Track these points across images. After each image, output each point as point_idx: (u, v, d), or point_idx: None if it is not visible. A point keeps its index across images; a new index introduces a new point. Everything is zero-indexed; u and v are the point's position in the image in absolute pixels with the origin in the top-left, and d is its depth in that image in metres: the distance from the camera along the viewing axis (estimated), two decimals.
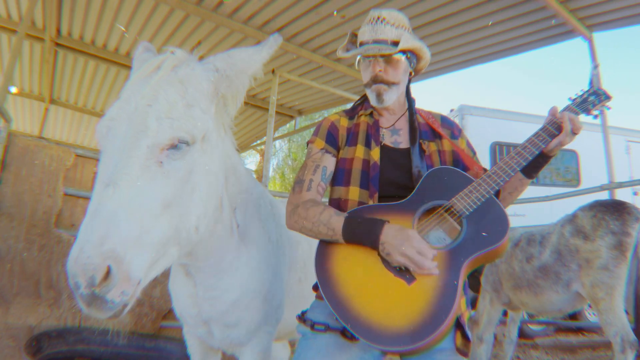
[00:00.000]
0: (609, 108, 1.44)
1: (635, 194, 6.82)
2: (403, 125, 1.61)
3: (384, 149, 1.53)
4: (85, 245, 0.94)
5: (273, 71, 6.02)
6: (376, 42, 1.50)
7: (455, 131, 1.64)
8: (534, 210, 5.65)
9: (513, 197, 1.50)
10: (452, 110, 7.06)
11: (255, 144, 9.83)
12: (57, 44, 5.80)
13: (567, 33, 4.83)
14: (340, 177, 1.54)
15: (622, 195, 4.39)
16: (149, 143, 1.12)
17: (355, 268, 1.29)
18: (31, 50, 6.19)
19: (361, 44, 1.55)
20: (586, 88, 1.45)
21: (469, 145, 1.64)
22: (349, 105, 1.99)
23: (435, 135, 1.59)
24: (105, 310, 0.98)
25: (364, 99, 1.67)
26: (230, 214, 1.59)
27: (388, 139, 1.57)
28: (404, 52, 1.51)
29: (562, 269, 2.89)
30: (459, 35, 5.10)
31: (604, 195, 4.28)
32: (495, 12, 4.60)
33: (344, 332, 1.30)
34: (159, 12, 5.05)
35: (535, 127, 1.42)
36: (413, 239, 1.22)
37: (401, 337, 1.13)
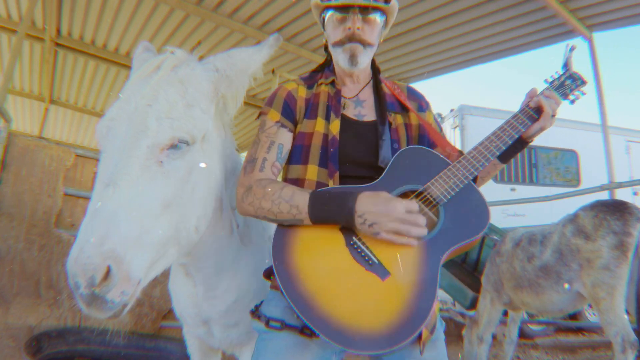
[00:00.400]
0: (584, 94, 1.37)
1: (635, 194, 6.83)
2: (367, 96, 1.45)
3: (346, 122, 1.37)
4: (85, 245, 0.94)
5: (273, 71, 6.02)
6: None
7: (422, 103, 1.50)
8: (534, 210, 5.65)
9: (484, 182, 1.39)
10: (452, 110, 7.06)
11: None
12: (57, 44, 5.80)
13: (567, 33, 4.83)
14: (297, 154, 1.36)
15: (622, 195, 4.39)
16: (149, 143, 1.12)
17: (320, 260, 1.14)
18: (31, 50, 6.20)
19: None
20: (561, 71, 1.38)
21: (436, 120, 1.50)
22: None
23: (402, 107, 1.45)
24: (105, 310, 0.97)
25: (325, 65, 1.51)
26: (230, 214, 1.59)
27: (351, 111, 1.40)
28: (382, 12, 1.39)
29: (563, 269, 2.90)
30: (459, 35, 5.11)
31: (604, 195, 4.29)
32: (495, 12, 4.61)
33: (302, 330, 1.17)
34: (159, 12, 5.05)
35: None
36: (395, 201, 1.10)
37: (377, 339, 1.02)
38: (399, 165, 1.25)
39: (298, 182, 1.33)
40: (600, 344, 5.04)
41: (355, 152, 1.33)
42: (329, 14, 1.40)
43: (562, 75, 1.36)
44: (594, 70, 4.75)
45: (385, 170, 1.25)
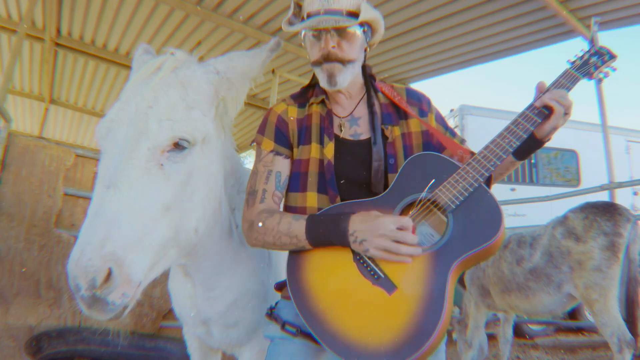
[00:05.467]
0: (614, 69, 1.25)
1: (635, 194, 6.82)
2: (363, 112, 1.38)
3: (341, 144, 1.32)
4: (86, 247, 0.95)
5: (273, 71, 6.02)
6: (328, 12, 1.25)
7: (423, 106, 1.42)
8: (534, 210, 5.65)
9: (501, 177, 1.33)
10: (452, 110, 7.06)
11: (255, 144, 9.81)
12: (57, 44, 5.80)
13: (567, 33, 4.84)
14: (295, 181, 1.34)
15: (622, 195, 4.40)
16: (150, 145, 1.12)
17: (329, 277, 1.15)
18: (31, 50, 6.20)
19: (309, 16, 1.29)
20: (586, 48, 1.27)
21: (438, 119, 1.43)
22: None
23: (401, 116, 1.38)
24: (106, 312, 0.98)
25: (316, 82, 1.42)
26: (230, 214, 1.59)
27: (346, 131, 1.35)
28: (361, 25, 1.29)
29: (554, 271, 2.90)
30: (459, 35, 5.11)
31: (604, 195, 4.29)
32: (495, 12, 4.61)
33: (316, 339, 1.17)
34: (159, 12, 5.05)
35: None
36: (385, 218, 1.08)
37: (383, 355, 1.01)
38: (407, 174, 1.21)
39: (298, 210, 1.32)
40: (600, 344, 5.04)
41: (354, 174, 1.30)
42: (303, 32, 1.35)
43: (586, 52, 1.25)
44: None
45: (394, 182, 1.22)
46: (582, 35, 4.72)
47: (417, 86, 6.49)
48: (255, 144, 1.40)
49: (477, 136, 6.20)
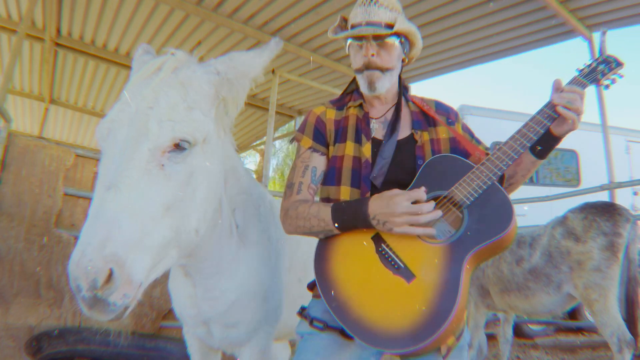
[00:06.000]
0: (621, 76, 1.31)
1: (635, 194, 6.82)
2: (394, 117, 1.51)
3: (376, 144, 1.44)
4: (87, 248, 0.95)
5: (273, 71, 6.02)
6: (369, 24, 1.40)
7: (451, 116, 1.54)
8: (534, 210, 5.65)
9: (526, 178, 1.42)
10: None
11: (255, 144, 9.83)
12: (57, 44, 5.80)
13: (567, 33, 4.83)
14: (331, 176, 1.46)
15: (622, 195, 4.40)
16: (150, 146, 1.12)
17: (353, 268, 1.25)
18: (31, 50, 6.19)
19: (352, 27, 1.44)
20: (594, 58, 1.33)
21: (465, 129, 1.55)
22: None
23: (430, 123, 1.50)
24: (107, 312, 0.98)
25: (354, 88, 1.58)
26: (230, 215, 1.59)
27: (380, 132, 1.47)
28: (398, 35, 1.43)
29: (553, 271, 2.90)
30: (459, 35, 5.10)
31: (604, 195, 4.29)
32: (495, 12, 4.61)
33: (342, 331, 1.25)
34: (159, 12, 5.05)
35: None
36: (398, 195, 1.18)
37: (402, 338, 1.09)
38: (425, 174, 1.32)
39: (330, 201, 1.42)
40: (600, 344, 5.04)
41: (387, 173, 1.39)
42: (348, 42, 1.47)
43: (594, 60, 1.31)
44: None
45: (414, 181, 1.32)
46: (582, 35, 4.71)
47: (417, 86, 6.48)
48: (295, 141, 1.53)
49: (478, 136, 6.19)
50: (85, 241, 0.96)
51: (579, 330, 5.92)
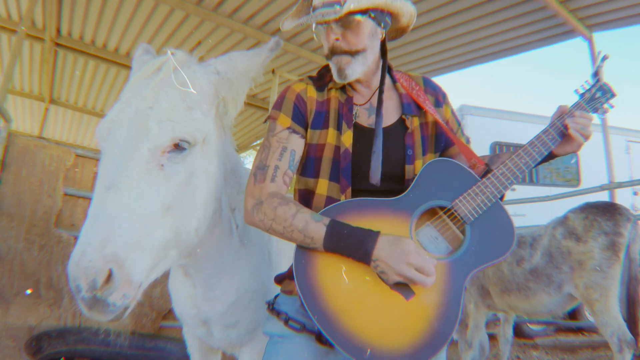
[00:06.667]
0: (612, 107, 1.33)
1: (635, 194, 6.82)
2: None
3: (359, 132, 1.28)
4: (86, 248, 0.94)
5: (273, 71, 6.03)
6: (327, 4, 1.21)
7: (439, 97, 1.40)
8: (534, 210, 5.65)
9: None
10: None
11: (255, 144, 9.83)
12: (57, 44, 5.80)
13: (567, 33, 4.84)
14: (309, 166, 1.30)
15: (622, 195, 4.40)
16: (150, 146, 1.12)
17: (344, 277, 1.13)
18: (31, 50, 6.20)
19: (314, 9, 1.26)
20: (591, 80, 1.35)
21: (454, 115, 1.42)
22: None
23: (419, 107, 1.36)
24: (107, 313, 0.98)
25: None
26: (230, 215, 1.59)
27: (364, 119, 1.31)
28: (362, 12, 1.23)
29: (554, 271, 2.90)
30: (459, 35, 5.11)
31: (604, 195, 4.29)
32: (495, 12, 4.61)
33: (319, 337, 1.16)
34: (159, 12, 5.05)
35: (536, 127, 1.38)
36: (411, 254, 1.05)
37: (400, 357, 1.05)
38: (426, 178, 1.21)
39: (307, 194, 1.31)
40: (600, 344, 5.04)
41: (368, 165, 1.23)
42: (313, 27, 1.31)
43: (592, 86, 1.33)
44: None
45: (413, 184, 1.21)
46: (582, 35, 4.72)
47: None
48: (270, 119, 1.32)
49: (477, 136, 6.20)
50: (85, 241, 0.96)
51: (579, 330, 5.92)
